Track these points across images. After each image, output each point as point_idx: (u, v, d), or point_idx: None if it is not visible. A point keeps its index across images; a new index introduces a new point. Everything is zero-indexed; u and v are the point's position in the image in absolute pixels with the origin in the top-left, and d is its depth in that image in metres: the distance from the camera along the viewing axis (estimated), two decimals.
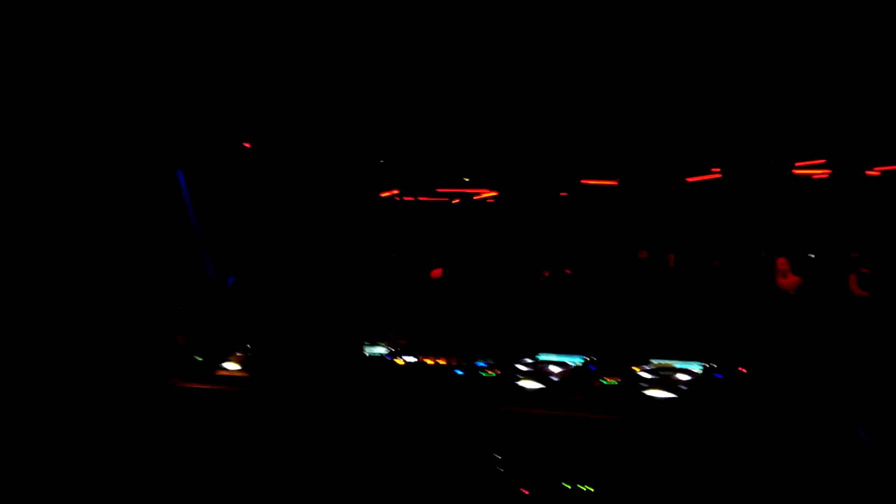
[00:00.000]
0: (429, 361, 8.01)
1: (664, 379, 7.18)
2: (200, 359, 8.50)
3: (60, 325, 9.16)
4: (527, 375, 7.44)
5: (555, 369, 7.51)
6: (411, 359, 8.17)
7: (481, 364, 7.75)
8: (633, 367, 7.56)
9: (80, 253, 10.07)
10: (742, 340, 8.00)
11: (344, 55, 8.44)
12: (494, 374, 7.51)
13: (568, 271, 10.96)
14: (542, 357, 7.97)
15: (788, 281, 9.87)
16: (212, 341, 9.09)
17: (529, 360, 7.83)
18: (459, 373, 7.63)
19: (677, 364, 7.57)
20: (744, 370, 7.47)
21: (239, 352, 8.73)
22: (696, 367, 7.52)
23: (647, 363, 7.62)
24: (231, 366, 8.47)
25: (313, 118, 9.63)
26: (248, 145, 10.65)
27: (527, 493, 6.75)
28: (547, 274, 11.14)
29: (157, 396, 8.08)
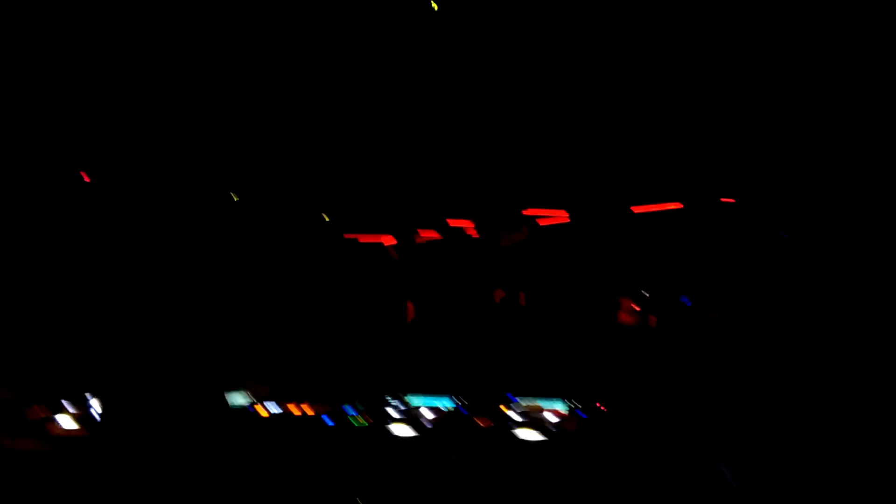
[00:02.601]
0: (294, 411, 7.62)
1: (533, 420, 7.32)
2: (31, 415, 7.52)
3: None
4: (399, 421, 7.29)
5: (428, 414, 7.41)
6: (275, 408, 7.72)
7: (351, 411, 7.49)
8: (503, 408, 7.64)
9: None
10: (602, 377, 8.33)
11: None
12: (366, 423, 7.28)
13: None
14: (413, 400, 7.84)
15: (629, 318, 10.41)
16: (40, 394, 8.06)
17: (401, 407, 7.67)
18: (329, 423, 7.32)
19: (544, 403, 7.75)
20: (603, 408, 7.78)
21: (74, 406, 7.81)
22: (562, 407, 7.73)
23: (517, 404, 7.73)
24: (67, 422, 7.57)
25: None
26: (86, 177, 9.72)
27: None
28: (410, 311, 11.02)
29: None
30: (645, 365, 8.31)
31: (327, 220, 10.61)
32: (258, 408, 7.81)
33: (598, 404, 7.88)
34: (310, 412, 7.54)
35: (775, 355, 7.63)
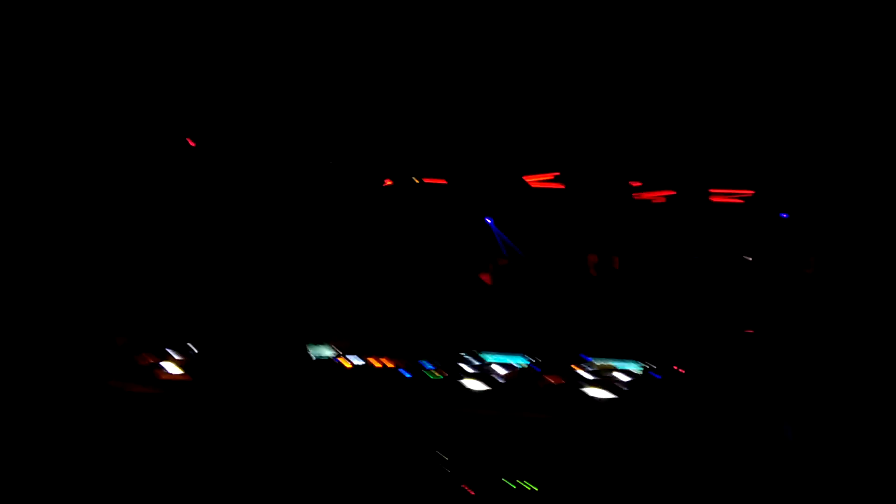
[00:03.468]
0: (375, 363, 8.04)
1: (606, 379, 7.42)
2: (140, 361, 8.31)
3: None
4: (473, 377, 7.56)
5: (500, 370, 7.65)
6: (358, 360, 8.18)
7: (427, 366, 7.83)
8: (575, 367, 7.78)
9: (6, 247, 9.67)
10: (678, 341, 8.32)
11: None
12: (441, 377, 7.60)
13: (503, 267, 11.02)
14: (487, 357, 8.11)
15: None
16: (151, 343, 8.87)
17: (475, 362, 7.95)
18: (407, 375, 7.69)
19: (617, 364, 7.84)
20: (680, 370, 7.79)
21: (179, 354, 8.56)
22: (636, 367, 7.80)
23: (589, 363, 7.85)
24: (172, 368, 8.31)
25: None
26: (191, 143, 10.40)
27: (472, 492, 6.87)
28: (488, 272, 11.23)
29: (97, 400, 7.85)
30: (721, 331, 8.22)
31: (416, 181, 10.94)
32: (342, 360, 8.30)
33: (674, 366, 7.89)
34: (389, 365, 7.95)
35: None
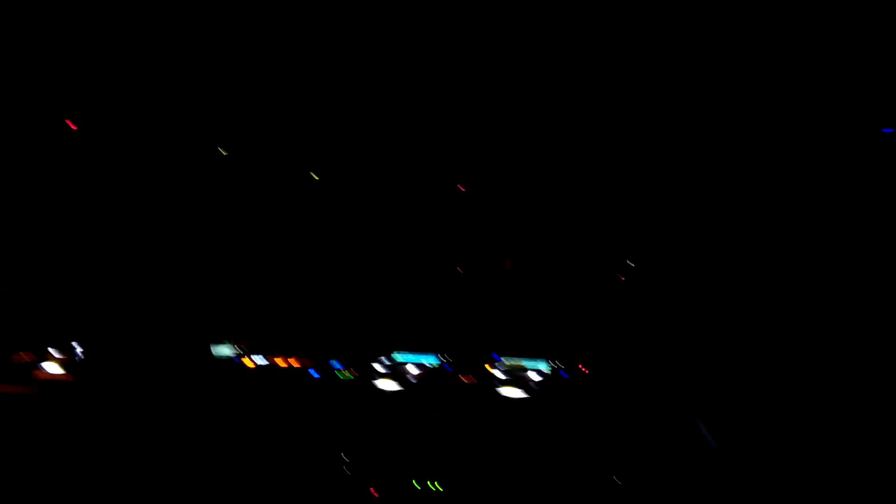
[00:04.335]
0: (281, 363, 7.67)
1: (517, 378, 7.42)
2: (15, 359, 7.52)
3: None
4: (384, 376, 7.37)
5: (412, 370, 7.50)
6: (261, 360, 7.77)
7: (337, 365, 7.55)
8: (487, 367, 7.74)
9: None
10: (585, 338, 8.44)
11: None
12: (352, 376, 7.35)
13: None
14: (399, 357, 7.92)
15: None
16: (28, 339, 8.06)
17: (387, 361, 7.75)
18: (315, 375, 7.39)
19: (527, 363, 7.86)
20: (585, 369, 7.91)
21: (59, 352, 7.81)
22: (545, 367, 7.85)
23: (500, 363, 7.83)
24: (52, 367, 7.57)
25: None
26: (73, 125, 9.59)
27: (376, 494, 6.69)
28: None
29: None
30: (626, 327, 8.42)
31: (316, 178, 10.59)
32: (245, 360, 7.86)
33: (580, 366, 8.00)
34: (296, 365, 7.60)
35: (756, 314, 7.77)
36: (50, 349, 7.83)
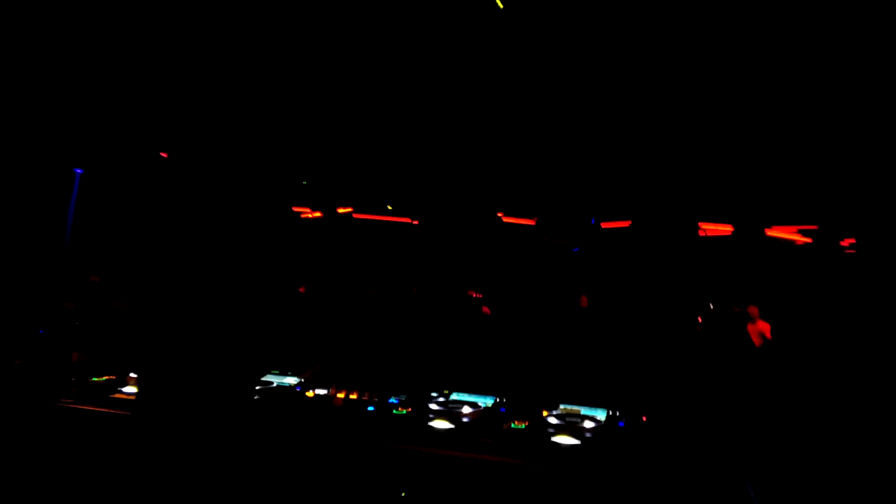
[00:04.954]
0: (340, 395, 7.90)
1: (570, 425, 7.35)
2: (96, 379, 8.07)
3: None
4: (438, 415, 7.46)
5: (466, 409, 7.56)
6: (322, 391, 8.04)
7: (393, 401, 7.71)
8: (542, 412, 7.71)
9: None
10: (644, 389, 8.31)
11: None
12: (406, 412, 7.48)
13: (487, 310, 11.09)
14: (455, 396, 8.02)
15: (757, 328, 10.25)
16: (111, 361, 8.64)
17: (441, 399, 7.86)
18: (370, 409, 7.56)
19: (584, 410, 7.78)
20: (644, 418, 7.75)
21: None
22: (601, 414, 7.75)
23: (556, 408, 7.79)
24: (130, 389, 8.08)
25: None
26: (164, 155, 10.29)
27: None
28: (487, 311, 11.17)
29: (45, 417, 7.59)
30: (686, 377, 8.23)
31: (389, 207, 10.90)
32: (306, 392, 8.14)
33: (642, 416, 7.85)
34: (354, 396, 7.81)
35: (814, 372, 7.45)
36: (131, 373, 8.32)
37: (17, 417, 7.54)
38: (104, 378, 8.01)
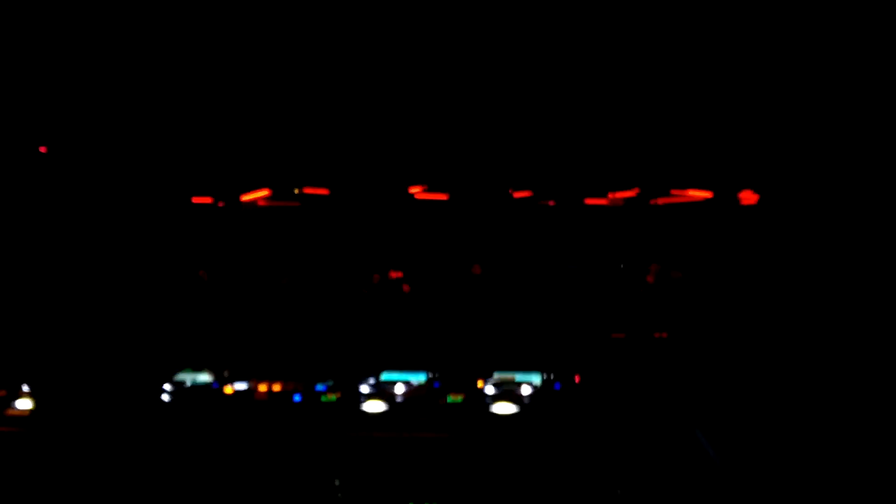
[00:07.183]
0: (262, 388, 7.38)
1: (507, 392, 7.14)
2: None
3: None
4: (370, 397, 7.08)
5: (399, 388, 7.22)
6: (242, 385, 7.48)
7: (321, 388, 7.27)
8: (478, 382, 7.46)
9: None
10: (578, 348, 8.18)
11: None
12: (335, 398, 7.07)
13: (406, 288, 10.72)
14: (386, 376, 7.63)
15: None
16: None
17: (372, 381, 7.46)
18: (297, 398, 7.10)
19: (518, 377, 7.58)
20: (577, 379, 7.63)
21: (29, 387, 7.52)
22: (536, 379, 7.57)
23: (491, 376, 7.55)
24: (24, 404, 7.28)
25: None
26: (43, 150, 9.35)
27: None
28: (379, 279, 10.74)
29: None
30: (620, 336, 8.17)
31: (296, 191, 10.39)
32: (225, 387, 7.57)
33: (575, 377, 7.73)
34: (277, 388, 7.32)
35: (759, 323, 7.54)
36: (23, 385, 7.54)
37: None
38: None
